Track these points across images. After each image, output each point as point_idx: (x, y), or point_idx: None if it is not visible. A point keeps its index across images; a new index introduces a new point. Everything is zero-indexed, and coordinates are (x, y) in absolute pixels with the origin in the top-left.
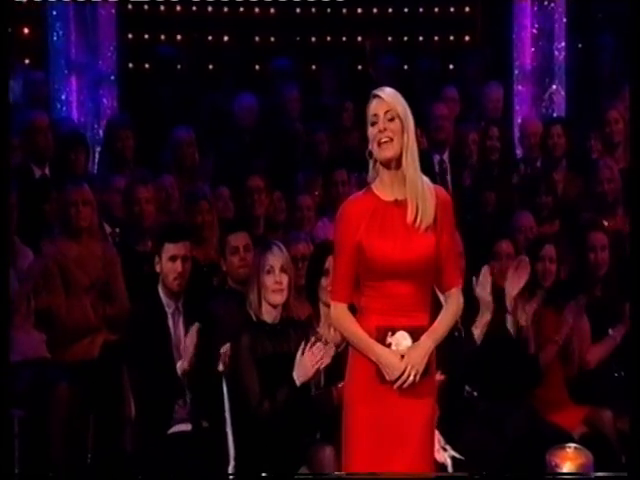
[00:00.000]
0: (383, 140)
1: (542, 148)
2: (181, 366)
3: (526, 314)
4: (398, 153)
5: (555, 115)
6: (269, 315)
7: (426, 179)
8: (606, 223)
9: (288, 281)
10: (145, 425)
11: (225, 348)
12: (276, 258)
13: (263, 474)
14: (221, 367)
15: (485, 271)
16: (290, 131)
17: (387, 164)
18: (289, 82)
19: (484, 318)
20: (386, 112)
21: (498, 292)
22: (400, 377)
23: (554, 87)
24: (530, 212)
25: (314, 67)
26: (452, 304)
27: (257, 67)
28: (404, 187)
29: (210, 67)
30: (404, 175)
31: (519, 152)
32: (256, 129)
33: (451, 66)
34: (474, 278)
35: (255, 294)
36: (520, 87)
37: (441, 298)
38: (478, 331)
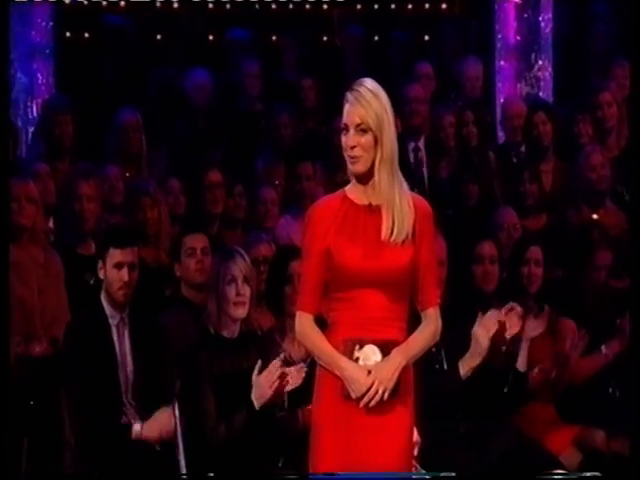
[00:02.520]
0: (352, 155)
1: (526, 137)
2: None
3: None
4: (369, 166)
5: (539, 96)
6: (228, 329)
7: (405, 187)
8: (595, 216)
9: (250, 293)
10: (85, 449)
11: None
12: (239, 268)
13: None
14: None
15: (493, 315)
16: (249, 112)
17: (358, 176)
18: (247, 56)
19: (474, 361)
20: (358, 125)
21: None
22: (366, 394)
23: (540, 63)
24: (514, 204)
25: (275, 38)
26: (429, 324)
27: (211, 38)
28: (379, 192)
29: (158, 38)
30: (379, 183)
31: (502, 135)
32: (210, 110)
33: (426, 37)
34: (480, 314)
35: (214, 305)
36: (503, 63)
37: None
38: (464, 371)
